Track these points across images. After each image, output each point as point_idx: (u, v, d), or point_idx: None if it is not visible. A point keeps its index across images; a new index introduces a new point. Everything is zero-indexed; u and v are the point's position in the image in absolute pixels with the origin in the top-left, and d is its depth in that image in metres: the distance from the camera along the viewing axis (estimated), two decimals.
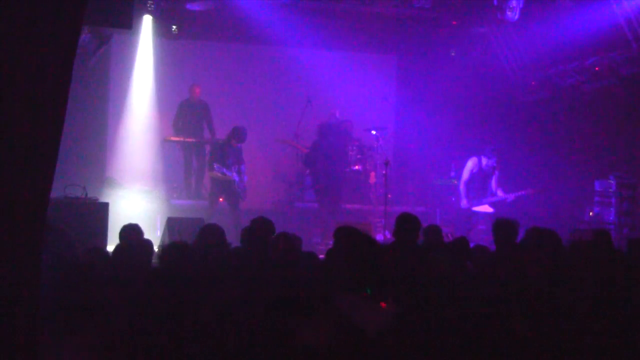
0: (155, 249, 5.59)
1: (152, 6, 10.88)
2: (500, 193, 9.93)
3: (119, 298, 3.96)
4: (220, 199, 10.31)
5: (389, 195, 10.21)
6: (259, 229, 5.32)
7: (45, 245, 3.33)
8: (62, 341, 3.58)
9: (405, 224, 5.66)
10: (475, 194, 9.98)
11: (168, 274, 4.07)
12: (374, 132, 11.58)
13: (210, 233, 5.33)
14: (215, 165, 9.91)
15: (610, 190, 10.37)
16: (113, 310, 3.81)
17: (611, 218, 10.27)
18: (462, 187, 10.16)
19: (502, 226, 5.81)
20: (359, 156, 11.98)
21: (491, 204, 9.91)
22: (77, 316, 3.75)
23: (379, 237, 10.10)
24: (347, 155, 11.42)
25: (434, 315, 3.54)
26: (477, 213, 10.10)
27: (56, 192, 7.65)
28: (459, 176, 10.70)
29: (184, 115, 11.78)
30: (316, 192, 10.71)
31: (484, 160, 9.88)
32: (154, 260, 4.93)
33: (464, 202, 10.05)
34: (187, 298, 3.78)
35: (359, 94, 12.89)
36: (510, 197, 9.87)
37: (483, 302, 3.80)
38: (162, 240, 8.47)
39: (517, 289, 3.95)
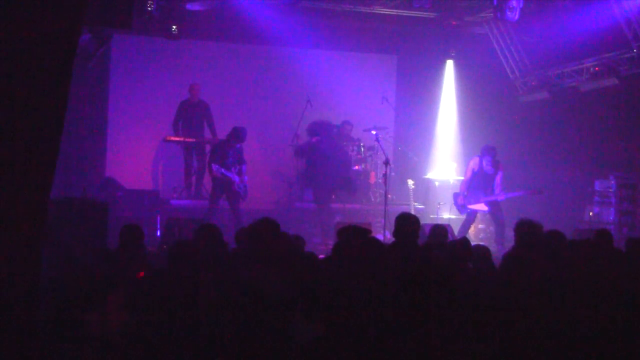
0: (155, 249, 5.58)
1: (152, 6, 10.87)
2: (498, 192, 9.95)
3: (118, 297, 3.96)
4: (221, 199, 10.30)
5: (389, 195, 10.21)
6: (263, 230, 5.27)
7: (45, 245, 3.33)
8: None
9: (405, 224, 5.65)
10: (474, 192, 10.00)
11: (176, 273, 4.08)
12: (374, 132, 11.59)
13: (207, 233, 5.30)
14: (214, 167, 9.89)
15: (610, 190, 10.38)
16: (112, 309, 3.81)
17: (611, 218, 10.28)
18: (462, 186, 10.24)
19: (524, 227, 5.79)
20: (359, 156, 11.98)
21: (487, 203, 9.94)
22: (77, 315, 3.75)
23: (379, 237, 10.09)
24: (348, 156, 11.41)
25: (433, 316, 3.54)
26: (474, 211, 10.13)
27: (56, 192, 7.66)
28: (459, 175, 10.71)
29: (184, 115, 11.78)
30: (313, 192, 10.69)
31: (485, 160, 9.91)
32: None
33: (460, 200, 10.12)
34: (188, 297, 3.79)
35: (359, 94, 12.89)
36: (502, 196, 9.89)
37: (484, 302, 3.80)
38: (162, 241, 8.47)
39: (522, 289, 3.95)
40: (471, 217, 10.19)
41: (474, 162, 10.07)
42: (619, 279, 4.26)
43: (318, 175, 10.37)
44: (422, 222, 6.52)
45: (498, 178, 9.96)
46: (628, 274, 4.54)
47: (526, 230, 5.71)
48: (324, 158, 10.30)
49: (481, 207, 10.01)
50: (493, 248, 8.16)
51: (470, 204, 10.03)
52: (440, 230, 6.44)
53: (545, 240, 5.37)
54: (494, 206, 9.92)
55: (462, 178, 10.57)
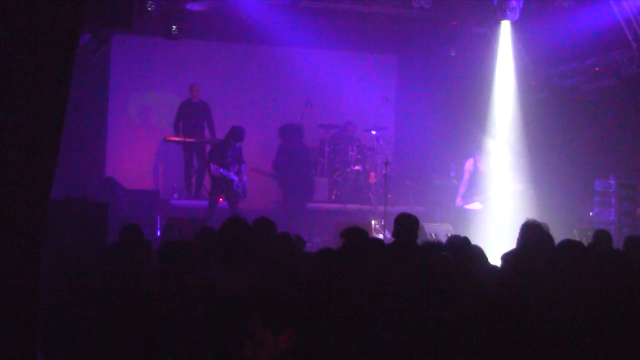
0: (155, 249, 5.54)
1: (152, 6, 10.87)
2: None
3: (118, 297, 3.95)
4: (220, 199, 10.31)
5: (389, 195, 10.22)
6: (261, 229, 5.27)
7: (45, 245, 3.32)
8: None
9: (405, 224, 5.65)
10: (471, 192, 10.06)
11: (168, 272, 4.08)
12: (374, 132, 11.58)
13: (208, 236, 5.31)
14: (212, 166, 9.91)
15: (610, 190, 10.38)
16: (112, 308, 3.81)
17: (611, 218, 10.28)
18: (460, 187, 10.31)
19: (530, 228, 5.76)
20: (359, 156, 11.98)
21: (482, 201, 9.99)
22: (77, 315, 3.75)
23: (379, 237, 10.12)
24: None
25: (433, 315, 3.54)
26: (469, 210, 10.18)
27: (56, 192, 7.66)
28: (459, 176, 10.78)
29: (184, 115, 11.79)
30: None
31: (477, 159, 9.98)
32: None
33: (457, 200, 10.21)
34: (188, 298, 3.78)
35: (359, 94, 12.89)
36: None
37: (484, 302, 3.80)
38: (163, 241, 8.47)
39: (521, 289, 3.94)
40: (468, 216, 10.23)
41: (469, 163, 10.16)
42: (619, 279, 4.25)
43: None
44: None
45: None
46: (627, 273, 4.53)
47: (531, 230, 5.69)
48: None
49: (476, 206, 10.06)
50: (493, 248, 8.15)
51: (466, 203, 10.09)
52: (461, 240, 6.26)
53: (551, 242, 5.36)
54: (491, 205, 9.97)
55: (462, 179, 10.62)
